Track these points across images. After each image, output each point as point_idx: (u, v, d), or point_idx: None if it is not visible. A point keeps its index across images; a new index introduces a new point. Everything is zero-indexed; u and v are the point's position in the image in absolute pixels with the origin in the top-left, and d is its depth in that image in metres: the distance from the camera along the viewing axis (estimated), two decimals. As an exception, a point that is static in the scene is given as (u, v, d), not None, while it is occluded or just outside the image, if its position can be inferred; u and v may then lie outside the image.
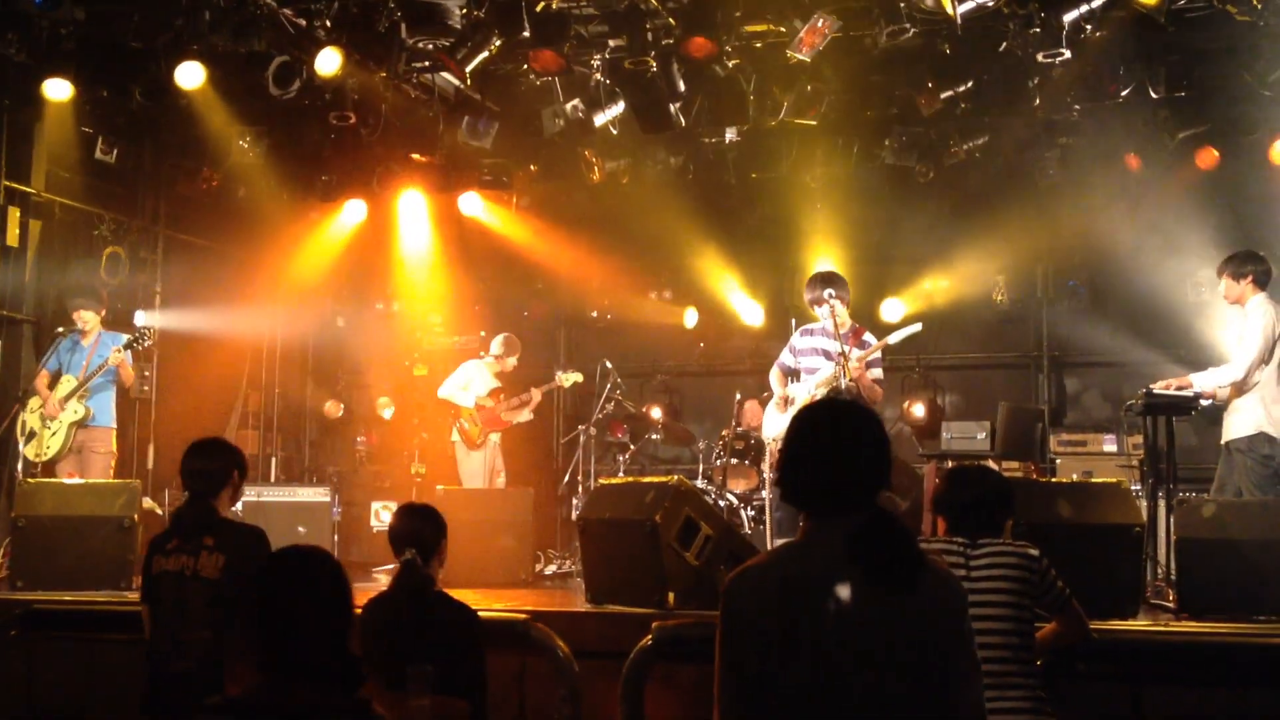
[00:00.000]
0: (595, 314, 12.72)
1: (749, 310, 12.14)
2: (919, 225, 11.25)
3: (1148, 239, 10.33)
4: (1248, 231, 9.64)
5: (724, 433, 10.10)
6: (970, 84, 8.96)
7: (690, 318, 12.39)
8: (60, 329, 8.64)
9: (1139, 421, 7.94)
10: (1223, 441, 7.33)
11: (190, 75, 8.63)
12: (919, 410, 11.55)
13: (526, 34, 8.01)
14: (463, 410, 10.23)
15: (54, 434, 8.43)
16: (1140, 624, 5.96)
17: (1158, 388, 7.26)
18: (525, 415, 10.47)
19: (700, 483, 9.64)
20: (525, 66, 8.96)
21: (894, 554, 2.48)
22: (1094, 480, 8.34)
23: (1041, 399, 11.58)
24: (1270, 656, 5.46)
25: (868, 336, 8.19)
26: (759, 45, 8.83)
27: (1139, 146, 9.81)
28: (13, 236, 9.36)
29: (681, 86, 8.69)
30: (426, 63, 8.96)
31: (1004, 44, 8.38)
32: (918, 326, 8.14)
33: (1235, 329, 7.41)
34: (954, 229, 11.16)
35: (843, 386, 7.72)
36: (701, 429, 11.67)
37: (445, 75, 9.35)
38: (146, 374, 10.24)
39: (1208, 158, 9.73)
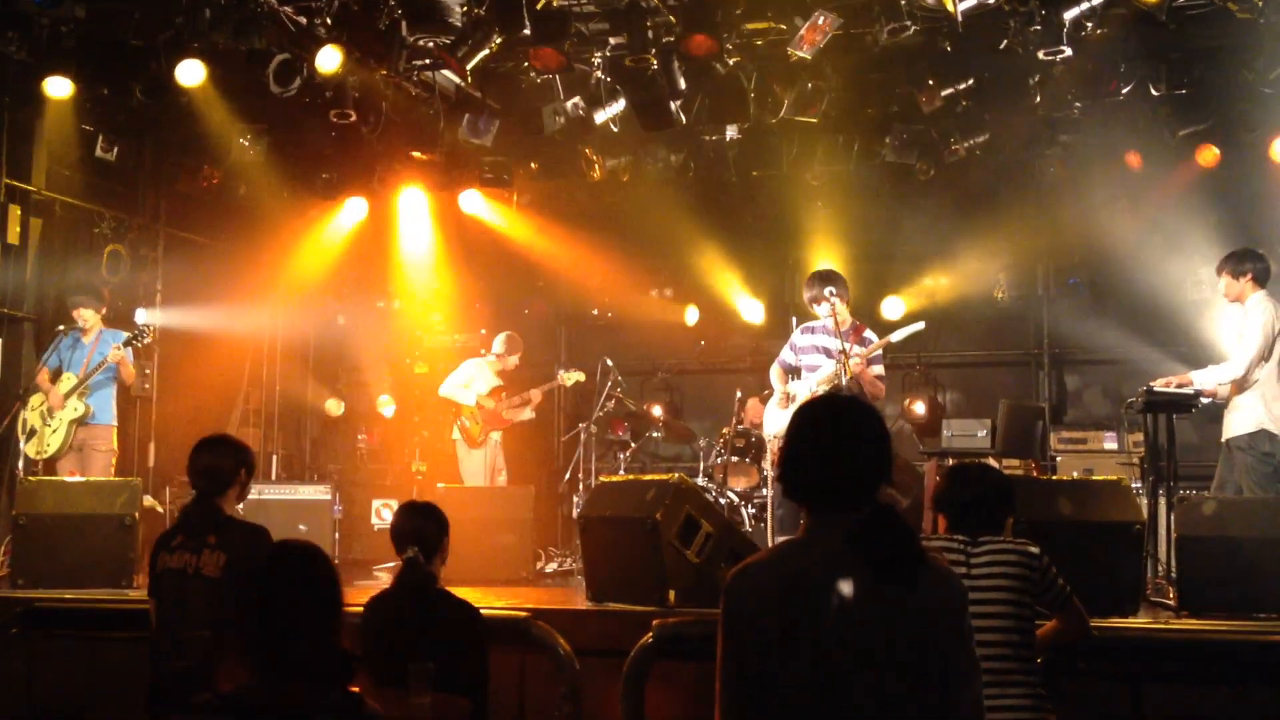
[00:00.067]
0: (596, 312, 12.72)
1: (750, 308, 12.14)
2: (920, 223, 11.25)
3: (1148, 236, 10.32)
4: (1248, 229, 9.64)
5: (724, 431, 10.10)
6: (971, 82, 8.96)
7: (691, 315, 12.39)
8: (61, 327, 8.64)
9: (1139, 419, 7.94)
10: (1223, 439, 7.34)
11: (191, 73, 8.63)
12: (920, 408, 11.56)
13: (527, 31, 8.01)
14: (464, 409, 10.23)
15: (54, 431, 8.44)
16: (1140, 622, 5.97)
17: (1158, 385, 7.26)
18: (527, 414, 10.48)
19: (701, 480, 9.64)
20: (526, 64, 8.96)
21: (895, 550, 2.49)
22: (1094, 478, 8.35)
23: (1042, 396, 11.58)
24: (1270, 654, 5.46)
25: (868, 333, 8.19)
26: (760, 43, 8.83)
27: (1140, 144, 9.81)
28: (13, 234, 9.35)
29: (682, 84, 8.69)
30: (427, 60, 8.95)
31: (1005, 42, 8.37)
32: (920, 325, 8.15)
33: (1235, 327, 7.42)
34: (955, 227, 11.16)
35: (843, 384, 7.73)
36: (702, 427, 11.67)
37: (446, 73, 9.35)
38: (147, 372, 10.24)
39: (1208, 155, 9.73)
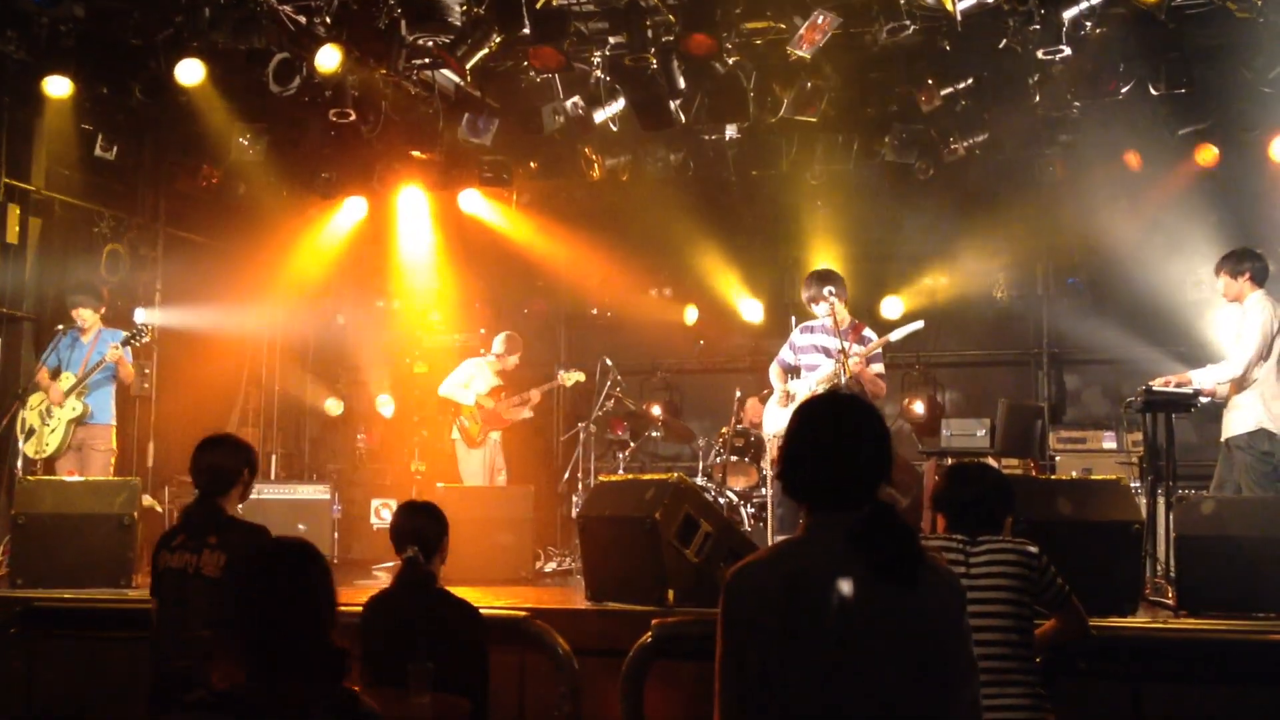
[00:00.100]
0: (595, 311, 12.72)
1: (749, 307, 12.14)
2: (919, 222, 11.25)
3: (1148, 236, 10.32)
4: (1248, 228, 9.64)
5: (724, 430, 10.10)
6: (970, 81, 8.96)
7: (690, 315, 12.39)
8: (60, 326, 8.63)
9: (1138, 418, 7.94)
10: (1222, 439, 7.34)
11: (190, 72, 8.63)
12: (919, 407, 11.56)
13: (526, 31, 8.01)
14: (463, 408, 10.23)
15: (53, 431, 8.43)
16: (1139, 621, 5.97)
17: (1157, 385, 7.26)
18: (525, 413, 10.47)
19: (700, 480, 9.63)
20: (525, 63, 8.96)
21: (895, 550, 2.49)
22: (1093, 477, 8.35)
23: (1041, 396, 11.58)
24: (1269, 653, 5.46)
25: (867, 332, 8.20)
26: (759, 42, 8.83)
27: (1139, 144, 9.81)
28: (12, 234, 9.35)
29: (681, 83, 8.69)
30: (426, 59, 8.95)
31: (1004, 41, 8.38)
32: (919, 324, 8.15)
33: (1234, 326, 7.42)
34: (954, 226, 11.16)
35: (842, 383, 7.73)
36: (701, 426, 11.66)
37: (445, 72, 9.35)
38: (147, 371, 10.24)
39: (1208, 155, 9.74)
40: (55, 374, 8.57)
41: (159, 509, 9.48)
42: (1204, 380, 7.30)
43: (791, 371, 8.39)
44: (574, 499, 10.54)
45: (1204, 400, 7.33)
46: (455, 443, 10.29)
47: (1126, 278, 10.56)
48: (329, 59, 8.43)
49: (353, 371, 12.83)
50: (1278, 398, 7.09)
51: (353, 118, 9.11)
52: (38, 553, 7.31)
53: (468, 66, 8.50)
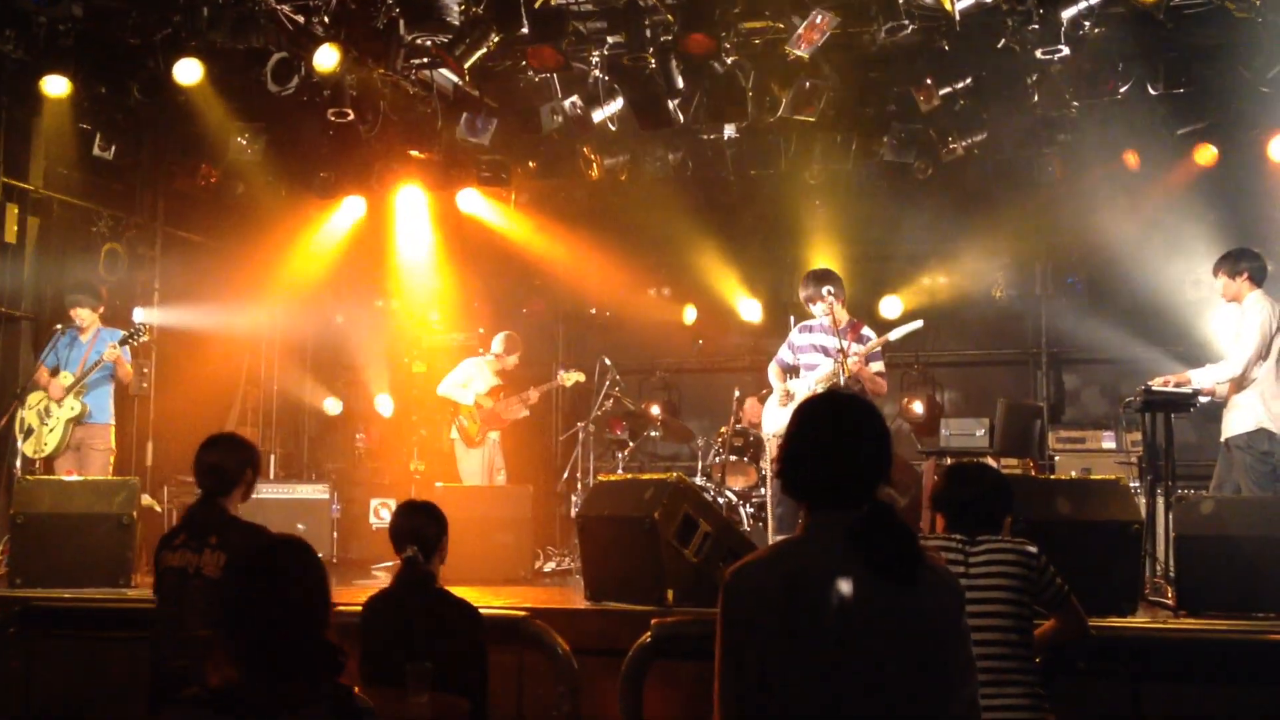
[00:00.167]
0: (594, 311, 12.72)
1: (748, 307, 12.15)
2: (918, 222, 11.25)
3: (1147, 236, 10.32)
4: (1246, 228, 9.64)
5: (723, 430, 10.10)
6: (969, 81, 8.97)
7: (689, 314, 12.39)
8: (59, 326, 8.62)
9: (1137, 418, 7.94)
10: (1222, 439, 7.34)
11: (188, 72, 8.63)
12: (918, 407, 11.56)
13: (525, 30, 8.01)
14: (462, 408, 10.22)
15: (51, 430, 8.43)
16: (1139, 621, 5.98)
17: (1156, 384, 7.26)
18: (522, 412, 10.46)
19: (699, 480, 9.63)
20: (524, 63, 8.96)
21: (894, 549, 2.49)
22: (1092, 477, 8.35)
23: (1040, 396, 11.59)
24: (1268, 653, 5.46)
25: (866, 330, 8.19)
26: (758, 42, 8.83)
27: (1138, 143, 9.81)
28: (11, 233, 9.34)
29: (680, 83, 8.69)
30: (425, 59, 8.96)
31: (1003, 41, 8.38)
32: (919, 323, 8.15)
33: (1233, 326, 7.42)
34: (953, 226, 11.17)
35: (841, 383, 7.72)
36: (700, 426, 11.66)
37: (444, 72, 9.35)
38: (145, 370, 10.22)
39: (1206, 154, 9.75)
40: (54, 373, 8.56)
41: (158, 508, 9.48)
42: (1203, 380, 7.31)
43: (790, 371, 8.39)
44: (573, 499, 10.54)
45: (1203, 400, 7.33)
46: (454, 442, 10.29)
47: (1125, 277, 10.57)
48: (327, 58, 8.43)
49: (351, 371, 12.82)
50: (1277, 397, 7.10)
51: (351, 117, 9.11)
52: (36, 552, 7.30)
53: (466, 66, 8.50)
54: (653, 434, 11.34)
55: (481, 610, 4.66)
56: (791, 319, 8.78)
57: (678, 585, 6.14)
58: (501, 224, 11.77)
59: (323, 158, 10.77)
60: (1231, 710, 5.32)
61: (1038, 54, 8.12)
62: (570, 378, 10.65)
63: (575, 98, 9.23)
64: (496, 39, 8.25)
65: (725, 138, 10.29)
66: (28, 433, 8.40)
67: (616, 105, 9.30)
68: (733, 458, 9.88)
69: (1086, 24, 7.90)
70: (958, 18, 7.70)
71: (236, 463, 4.73)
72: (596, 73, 9.15)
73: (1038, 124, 9.72)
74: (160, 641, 4.67)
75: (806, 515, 2.60)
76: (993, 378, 11.88)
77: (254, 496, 4.90)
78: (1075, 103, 9.14)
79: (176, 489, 10.05)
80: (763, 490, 9.40)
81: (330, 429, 12.93)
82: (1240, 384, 7.20)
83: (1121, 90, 8.70)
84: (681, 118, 9.19)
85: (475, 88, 9.59)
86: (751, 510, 9.49)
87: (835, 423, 2.62)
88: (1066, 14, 7.75)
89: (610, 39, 8.75)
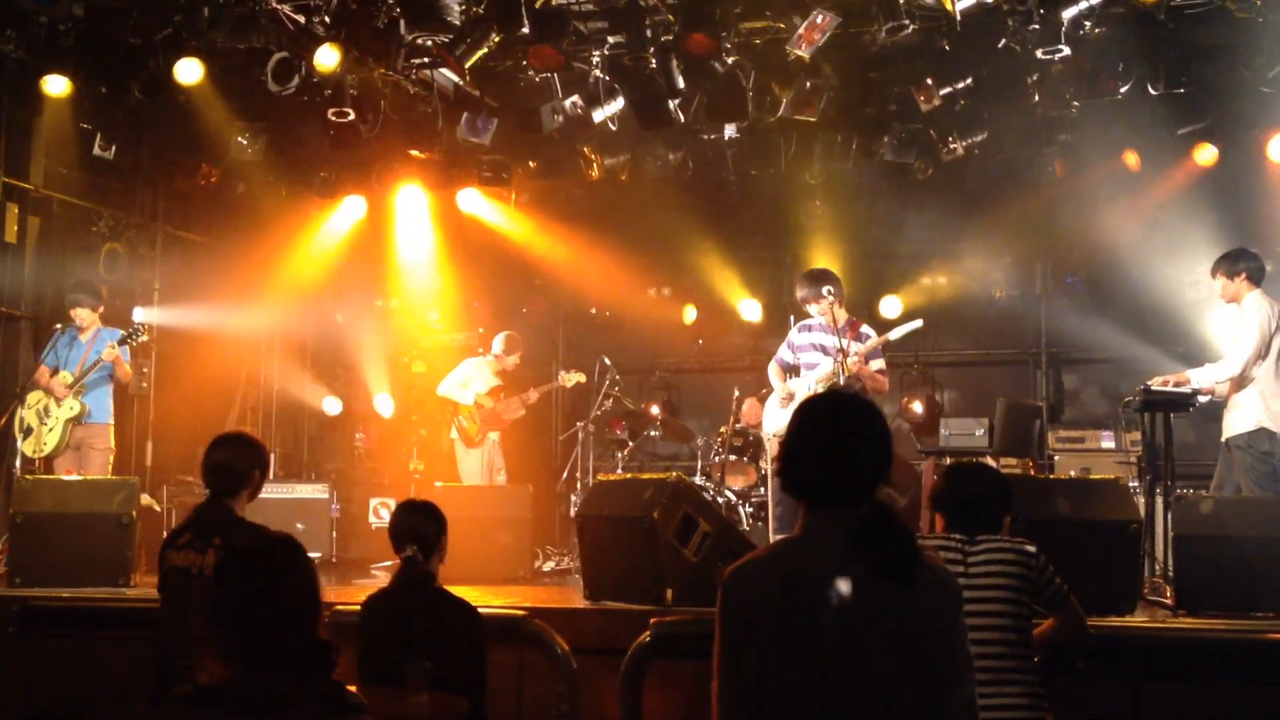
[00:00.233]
0: (594, 310, 12.72)
1: (747, 307, 12.14)
2: (918, 222, 11.26)
3: (1147, 235, 10.33)
4: (1246, 227, 9.65)
5: (722, 429, 10.10)
6: (969, 80, 8.96)
7: (689, 314, 12.39)
8: (58, 325, 8.62)
9: (1137, 418, 7.95)
10: (1222, 439, 7.34)
11: (189, 71, 8.63)
12: (917, 407, 11.56)
13: (525, 30, 8.01)
14: (461, 408, 10.23)
15: (50, 430, 8.43)
16: (1138, 620, 5.98)
17: (1155, 384, 7.27)
18: (520, 411, 10.46)
19: (698, 479, 9.64)
20: (524, 63, 8.96)
21: (893, 548, 2.49)
22: (1092, 477, 8.36)
23: (1040, 395, 11.59)
24: (1267, 653, 5.46)
25: (865, 329, 8.19)
26: (758, 42, 8.83)
27: (1138, 143, 9.81)
28: (11, 233, 9.35)
29: (680, 83, 8.69)
30: (425, 59, 8.96)
31: (1003, 41, 8.38)
32: (918, 323, 8.15)
33: (1232, 326, 7.42)
34: (953, 226, 11.17)
35: (841, 382, 7.72)
36: (700, 425, 11.66)
37: (444, 71, 9.35)
38: (145, 370, 10.23)
39: (1207, 154, 9.75)
40: (53, 373, 8.56)
41: (157, 508, 9.48)
42: (1202, 380, 7.31)
43: (790, 370, 8.39)
44: (572, 498, 10.54)
45: (1202, 400, 7.34)
46: (454, 442, 10.29)
47: (1125, 277, 10.57)
48: (328, 58, 8.43)
49: (351, 370, 12.82)
50: (1277, 396, 7.10)
51: (351, 117, 9.11)
52: (36, 552, 7.30)
53: (467, 66, 8.50)
54: (652, 434, 11.35)
55: (481, 610, 4.66)
56: (791, 319, 8.77)
57: (677, 585, 6.14)
58: (502, 224, 11.77)
59: (323, 157, 10.77)
60: (1231, 710, 5.32)
61: (1038, 54, 8.12)
62: (571, 378, 10.65)
63: (576, 97, 9.23)
64: (497, 39, 8.25)
65: (726, 138, 10.28)
66: (27, 432, 8.40)
67: (617, 105, 9.30)
68: (732, 457, 9.88)
69: (1087, 24, 7.90)
70: (958, 17, 7.70)
71: (245, 463, 4.70)
72: (597, 72, 9.15)
73: (1038, 124, 9.72)
74: (163, 641, 4.66)
75: (806, 514, 2.60)
76: (992, 377, 11.87)
77: (254, 496, 4.89)
78: (1076, 102, 9.14)
79: (176, 489, 10.06)
80: (762, 490, 9.41)
81: (330, 429, 12.93)
82: (1240, 383, 7.20)
83: (1122, 90, 8.70)
84: (682, 118, 9.19)
85: (476, 87, 9.59)
86: (751, 510, 9.49)
87: (836, 422, 2.63)
88: (1067, 14, 7.75)
89: (611, 39, 8.75)
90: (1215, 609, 5.96)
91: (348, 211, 11.60)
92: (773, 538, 8.07)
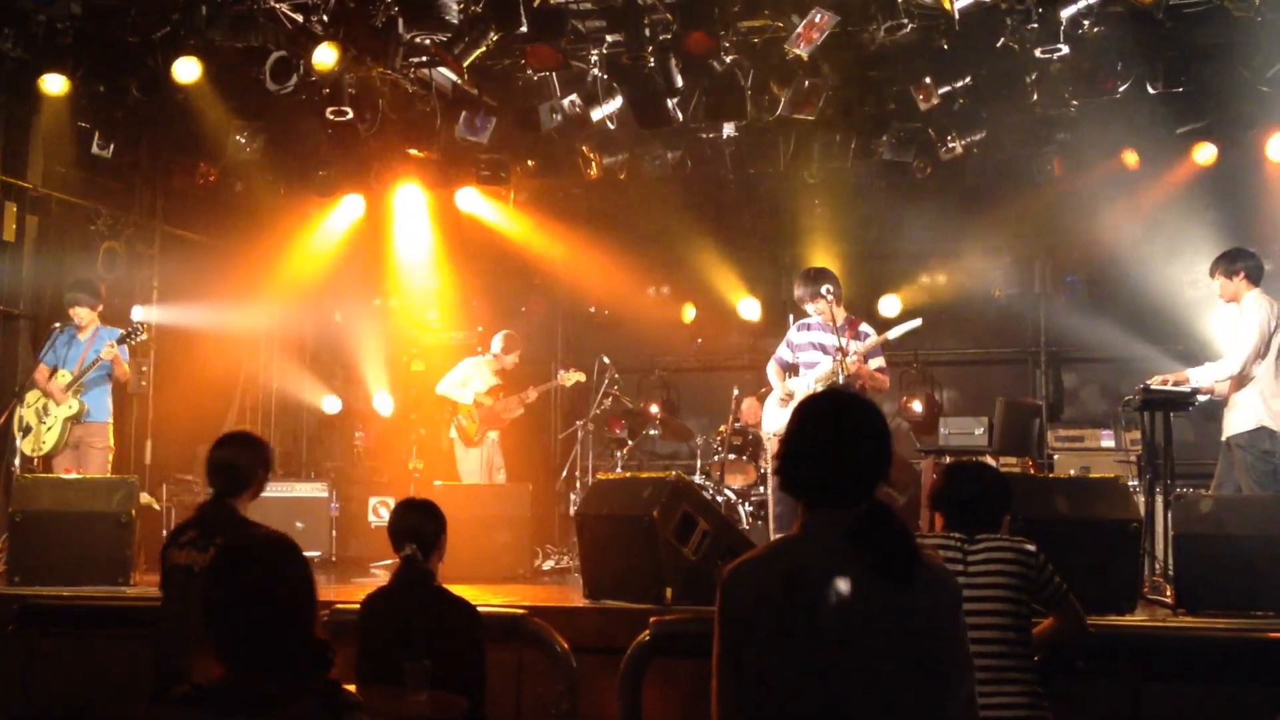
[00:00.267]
0: (593, 309, 12.71)
1: (747, 306, 12.15)
2: (917, 221, 11.26)
3: (1146, 234, 10.34)
4: (1245, 227, 9.66)
5: (722, 428, 10.10)
6: (968, 79, 8.95)
7: (688, 313, 12.39)
8: (57, 324, 8.62)
9: (1136, 417, 7.95)
10: (1223, 438, 7.34)
11: (187, 70, 8.62)
12: (917, 406, 11.57)
13: (524, 29, 8.00)
14: (460, 407, 10.22)
15: (49, 429, 8.42)
16: (1138, 620, 5.97)
17: (1155, 383, 7.27)
18: (519, 410, 10.46)
19: (698, 478, 9.64)
20: (522, 61, 8.96)
21: (894, 547, 2.49)
22: (1091, 476, 8.36)
23: (1039, 394, 11.59)
24: (1267, 652, 5.46)
25: (864, 327, 8.18)
26: (757, 40, 8.82)
27: (1137, 142, 9.82)
28: (9, 231, 9.34)
29: (679, 82, 8.69)
30: (424, 58, 8.94)
31: (1002, 39, 8.38)
32: (917, 322, 8.15)
33: (1232, 326, 7.42)
34: (952, 225, 11.17)
35: (840, 381, 7.72)
36: (699, 424, 11.66)
37: (443, 70, 9.34)
38: (144, 369, 10.22)
39: (1206, 153, 9.75)
40: (52, 372, 8.56)
41: (156, 507, 9.48)
42: (1202, 379, 7.31)
43: (790, 369, 8.38)
44: (572, 497, 10.54)
45: (1202, 399, 7.34)
46: (453, 441, 10.29)
47: (1125, 276, 10.57)
48: (326, 57, 8.43)
49: (350, 369, 12.82)
50: (1277, 395, 7.10)
51: (350, 116, 9.11)
52: (35, 550, 7.29)
53: (465, 65, 8.50)
54: (651, 432, 11.35)
55: (480, 608, 4.66)
56: (790, 317, 8.78)
57: (676, 583, 6.14)
58: (500, 223, 11.77)
59: (321, 156, 10.77)
60: (1231, 709, 5.32)
61: (1037, 53, 8.12)
62: (570, 378, 10.64)
63: (574, 96, 9.22)
64: (495, 37, 8.24)
65: (724, 136, 10.28)
66: (26, 431, 8.40)
67: (615, 104, 9.30)
68: (731, 456, 9.88)
69: (1085, 23, 7.90)
70: (957, 16, 7.70)
71: (249, 462, 4.69)
72: (595, 71, 9.15)
73: (1037, 123, 9.73)
74: (164, 640, 4.65)
75: (805, 513, 2.60)
76: (992, 376, 11.88)
77: (253, 495, 4.88)
78: (1074, 101, 9.14)
79: (175, 487, 10.06)
80: (762, 488, 9.40)
81: (329, 427, 12.93)
82: (1240, 382, 7.20)
83: (1120, 89, 8.70)
84: (680, 116, 9.19)
85: (474, 86, 9.58)
86: (750, 508, 9.49)
87: (836, 421, 2.62)
88: (1066, 13, 7.75)
89: (609, 38, 8.74)
90: (1215, 608, 5.96)
91: (346, 210, 11.61)
92: (772, 537, 8.07)
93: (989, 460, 8.60)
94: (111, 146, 9.76)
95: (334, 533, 10.28)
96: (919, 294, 11.49)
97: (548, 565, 9.67)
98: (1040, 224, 11.18)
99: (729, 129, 10.11)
